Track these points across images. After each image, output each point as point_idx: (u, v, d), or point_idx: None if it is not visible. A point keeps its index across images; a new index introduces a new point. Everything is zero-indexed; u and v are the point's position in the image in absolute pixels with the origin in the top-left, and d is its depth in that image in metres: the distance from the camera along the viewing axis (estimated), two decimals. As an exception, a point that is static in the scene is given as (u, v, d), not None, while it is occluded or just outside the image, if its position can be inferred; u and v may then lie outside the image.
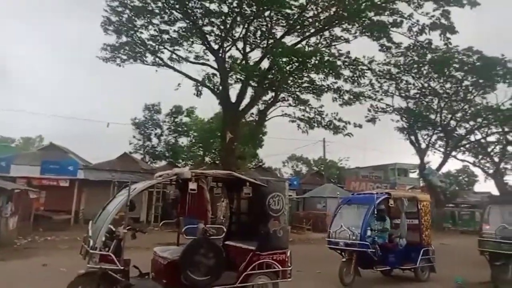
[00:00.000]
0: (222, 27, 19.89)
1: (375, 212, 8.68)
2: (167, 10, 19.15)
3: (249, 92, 20.63)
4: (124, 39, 19.85)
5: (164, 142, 40.04)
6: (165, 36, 20.13)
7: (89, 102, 73.24)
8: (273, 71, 18.51)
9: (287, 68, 18.11)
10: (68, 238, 14.86)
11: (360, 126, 22.14)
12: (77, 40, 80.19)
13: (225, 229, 6.63)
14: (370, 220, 8.65)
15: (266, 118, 22.98)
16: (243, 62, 20.28)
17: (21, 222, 15.29)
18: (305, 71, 19.40)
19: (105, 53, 20.16)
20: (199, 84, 21.10)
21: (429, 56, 24.84)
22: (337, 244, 8.62)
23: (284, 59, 17.46)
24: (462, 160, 35.06)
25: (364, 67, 21.17)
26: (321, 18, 19.91)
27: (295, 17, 19.29)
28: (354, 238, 8.22)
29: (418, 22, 19.74)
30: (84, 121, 71.84)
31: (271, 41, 20.05)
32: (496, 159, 33.40)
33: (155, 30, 19.84)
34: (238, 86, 20.40)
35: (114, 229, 5.37)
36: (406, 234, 9.16)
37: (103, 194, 17.81)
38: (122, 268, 5.06)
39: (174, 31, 19.98)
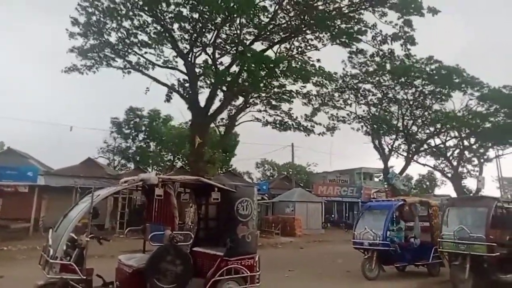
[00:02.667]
0: (192, 32, 19.72)
1: (394, 216, 10.08)
2: (135, 11, 18.72)
3: (219, 97, 20.63)
4: (91, 41, 19.20)
5: (136, 146, 39.97)
6: (134, 39, 19.68)
7: (52, 106, 70.17)
8: (244, 76, 18.56)
9: (258, 73, 18.23)
10: (26, 248, 14.18)
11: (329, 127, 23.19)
12: (42, 42, 76.78)
13: (192, 235, 6.54)
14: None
15: (236, 123, 23.04)
16: (213, 67, 20.20)
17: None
18: (274, 76, 19.63)
19: (74, 57, 19.39)
20: (169, 89, 20.83)
21: (389, 65, 25.74)
22: (361, 244, 10.03)
23: (253, 65, 17.55)
24: (424, 164, 36.49)
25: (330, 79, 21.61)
26: (291, 24, 20.24)
27: (264, 24, 19.47)
28: (375, 239, 9.61)
29: (381, 32, 20.48)
30: (47, 126, 68.85)
31: (240, 47, 20.08)
32: (455, 163, 35.00)
33: (122, 32, 19.34)
34: (207, 91, 20.34)
35: (76, 237, 5.19)
36: (420, 235, 10.42)
37: (65, 201, 17.05)
38: (84, 278, 4.89)
39: (142, 32, 19.57)
